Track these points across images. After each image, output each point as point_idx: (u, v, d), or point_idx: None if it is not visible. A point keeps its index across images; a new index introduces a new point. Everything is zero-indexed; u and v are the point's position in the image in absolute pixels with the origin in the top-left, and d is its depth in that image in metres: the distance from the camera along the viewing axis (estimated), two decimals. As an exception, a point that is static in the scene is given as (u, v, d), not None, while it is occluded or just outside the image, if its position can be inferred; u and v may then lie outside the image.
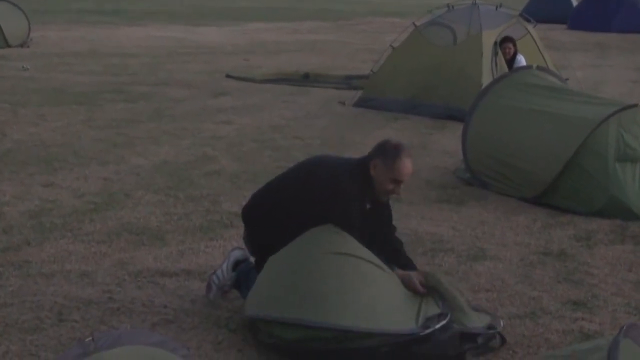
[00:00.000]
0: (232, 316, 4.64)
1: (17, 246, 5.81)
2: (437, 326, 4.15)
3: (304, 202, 4.54)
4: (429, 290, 4.38)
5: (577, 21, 28.51)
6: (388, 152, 4.49)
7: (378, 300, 4.21)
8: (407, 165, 4.47)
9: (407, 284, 4.43)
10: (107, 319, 4.58)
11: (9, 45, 19.01)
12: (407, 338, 4.11)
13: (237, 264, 4.92)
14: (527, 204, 7.13)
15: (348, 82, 14.68)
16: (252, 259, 4.90)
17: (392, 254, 4.67)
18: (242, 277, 4.82)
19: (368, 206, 4.62)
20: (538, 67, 8.34)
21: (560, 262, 5.74)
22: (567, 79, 12.95)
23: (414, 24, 12.46)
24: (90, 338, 2.44)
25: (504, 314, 4.80)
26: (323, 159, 4.92)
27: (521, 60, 11.40)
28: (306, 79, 15.23)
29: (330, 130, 10.53)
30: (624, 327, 2.73)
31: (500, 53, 11.51)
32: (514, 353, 4.32)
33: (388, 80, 12.13)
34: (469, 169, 7.84)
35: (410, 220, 6.62)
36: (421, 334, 4.14)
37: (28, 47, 19.55)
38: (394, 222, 6.39)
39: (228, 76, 15.52)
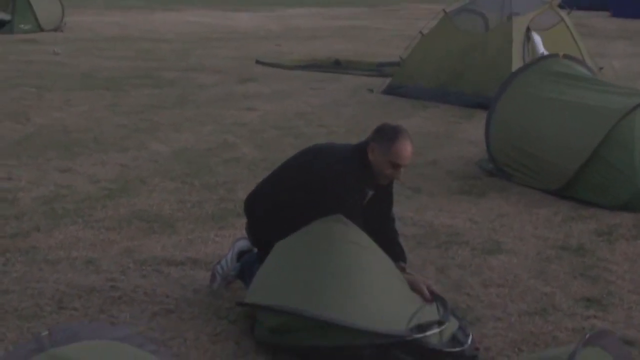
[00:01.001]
0: (234, 307, 4.53)
1: (26, 232, 5.76)
2: (427, 333, 3.98)
3: (302, 191, 4.43)
4: (435, 298, 4.26)
5: (620, 8, 27.97)
6: (386, 135, 4.35)
7: (371, 297, 4.04)
8: (405, 148, 4.31)
9: (414, 288, 4.31)
10: (107, 308, 4.51)
11: (42, 30, 19.10)
12: (390, 340, 3.92)
13: (241, 255, 4.83)
14: (550, 197, 6.95)
15: (379, 69, 14.51)
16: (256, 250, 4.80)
17: (386, 242, 4.50)
18: (246, 267, 4.72)
19: (370, 192, 4.49)
20: (565, 56, 8.12)
21: (578, 257, 5.57)
22: (601, 68, 12.74)
23: (444, 10, 12.27)
24: (47, 332, 2.35)
25: (513, 310, 4.65)
26: (321, 147, 4.77)
27: (538, 40, 11.16)
28: (337, 66, 15.09)
29: (356, 118, 10.39)
30: (588, 336, 2.58)
31: (532, 39, 11.28)
32: (519, 351, 4.17)
33: (417, 67, 11.97)
34: (492, 160, 7.67)
35: (427, 212, 6.48)
36: (407, 338, 3.96)
37: (62, 31, 19.64)
38: (410, 214, 6.35)
39: (258, 62, 15.43)
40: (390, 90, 12.05)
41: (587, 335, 2.56)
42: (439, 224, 6.17)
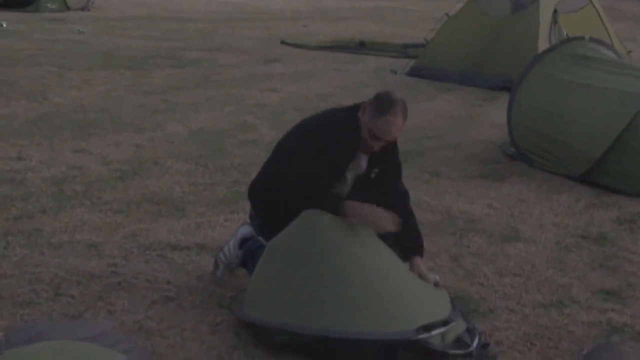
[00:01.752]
0: (237, 295, 4.39)
1: (31, 214, 5.64)
2: (433, 333, 3.79)
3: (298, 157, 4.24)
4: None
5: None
6: (380, 103, 4.12)
7: (376, 299, 3.85)
8: (391, 124, 4.06)
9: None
10: (106, 295, 4.37)
11: (68, 9, 19.02)
12: (396, 340, 3.74)
13: (244, 241, 4.65)
14: (572, 182, 6.74)
15: (405, 50, 14.29)
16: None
17: (394, 206, 4.29)
18: (249, 255, 4.54)
19: (363, 159, 4.27)
20: (591, 39, 7.85)
21: (598, 247, 5.36)
22: (630, 52, 12.42)
23: (470, -9, 12.03)
24: (2, 334, 2.19)
25: (528, 301, 4.45)
26: (317, 113, 4.53)
27: None
28: (362, 47, 14.89)
29: (378, 100, 10.18)
30: (584, 353, 2.38)
31: (559, 22, 10.99)
32: (531, 346, 3.98)
33: (442, 49, 11.75)
34: (514, 144, 7.45)
35: (444, 197, 6.28)
36: (412, 338, 3.77)
37: (89, 10, 19.55)
38: (427, 199, 6.15)
39: (283, 43, 15.26)
40: (414, 72, 11.83)
41: (584, 352, 2.36)
42: (457, 209, 5.98)
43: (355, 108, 4.23)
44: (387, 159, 4.37)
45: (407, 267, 4.25)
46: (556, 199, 6.30)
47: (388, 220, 4.04)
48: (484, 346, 3.93)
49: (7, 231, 5.28)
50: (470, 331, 3.98)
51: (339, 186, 4.32)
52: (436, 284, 4.46)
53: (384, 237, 4.36)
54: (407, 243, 4.36)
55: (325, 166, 4.14)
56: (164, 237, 5.27)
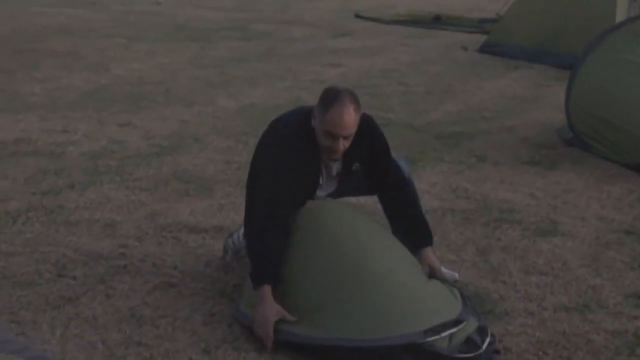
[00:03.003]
0: (242, 283, 4.21)
1: (59, 189, 5.58)
2: (443, 334, 3.54)
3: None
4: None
5: None
6: (324, 99, 3.78)
7: (372, 301, 3.63)
8: (341, 115, 3.70)
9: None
10: (108, 278, 4.25)
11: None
12: (402, 343, 3.49)
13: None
14: (629, 172, 6.30)
15: (480, 26, 13.83)
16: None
17: (403, 220, 4.09)
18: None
19: (335, 165, 4.01)
20: (662, 16, 7.36)
21: (641, 245, 4.98)
22: None
23: (546, -37, 11.48)
24: None
25: (550, 304, 4.13)
26: (280, 116, 4.13)
27: None
28: (437, 22, 14.47)
29: (440, 77, 9.85)
30: None
31: (639, -2, 10.43)
32: (543, 355, 3.66)
33: (515, 25, 11.28)
34: (571, 128, 7.04)
35: (485, 183, 5.97)
36: (419, 341, 3.50)
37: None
38: (466, 185, 5.87)
39: (357, 16, 14.98)
40: (485, 49, 11.41)
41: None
42: (495, 198, 5.66)
43: (305, 118, 3.88)
44: (366, 149, 4.03)
45: (415, 261, 4.00)
46: (606, 190, 5.90)
47: (264, 337, 3.62)
48: (495, 352, 3.66)
49: (31, 206, 5.24)
50: (481, 330, 3.71)
51: (314, 196, 4.09)
52: (455, 282, 4.21)
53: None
54: (414, 235, 4.12)
55: (288, 198, 3.85)
56: (183, 218, 5.13)
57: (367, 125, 4.01)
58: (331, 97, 3.76)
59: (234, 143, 6.86)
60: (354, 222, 3.94)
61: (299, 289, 3.71)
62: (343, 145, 3.80)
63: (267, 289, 3.67)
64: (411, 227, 4.14)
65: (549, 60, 10.59)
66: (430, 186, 5.86)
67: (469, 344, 3.61)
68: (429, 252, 4.09)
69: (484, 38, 11.80)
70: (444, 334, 3.57)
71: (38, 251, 4.54)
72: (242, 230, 4.43)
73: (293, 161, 3.81)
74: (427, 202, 5.36)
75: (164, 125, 7.38)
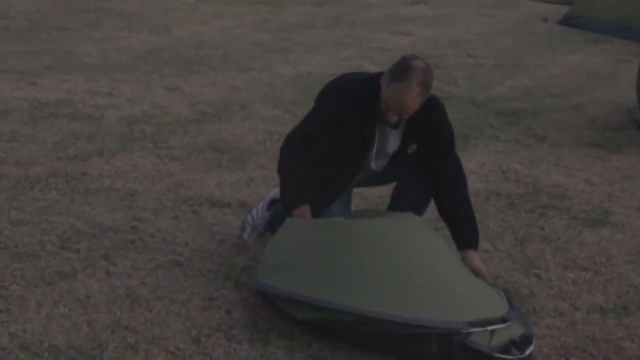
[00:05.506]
0: (252, 265, 3.93)
1: (88, 155, 5.38)
2: (489, 328, 3.20)
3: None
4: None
5: None
6: (395, 70, 3.54)
7: (415, 284, 3.31)
8: (398, 93, 3.47)
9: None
10: (112, 254, 4.00)
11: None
12: (445, 329, 3.18)
13: (273, 203, 4.18)
14: (701, 159, 5.79)
15: (567, -5, 13.15)
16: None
17: (453, 216, 3.78)
18: (277, 218, 4.06)
19: (391, 132, 3.75)
20: None
21: (702, 242, 4.49)
22: None
23: None
24: None
25: (584, 303, 3.73)
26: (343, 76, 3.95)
27: None
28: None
29: (512, 50, 9.35)
30: None
31: None
32: (567, 363, 3.29)
33: (598, -5, 10.65)
34: (642, 108, 6.53)
35: (539, 166, 5.53)
36: (463, 330, 3.18)
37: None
38: (517, 167, 5.45)
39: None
40: (565, 21, 10.82)
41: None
42: (546, 182, 5.22)
43: (379, 75, 3.65)
44: (429, 133, 3.75)
45: (460, 258, 3.66)
46: (673, 179, 5.41)
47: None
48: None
49: (53, 172, 5.04)
50: (526, 337, 3.33)
51: (363, 163, 3.80)
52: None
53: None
54: (460, 235, 3.78)
55: (333, 136, 3.67)
56: (207, 191, 4.87)
57: (435, 109, 3.77)
58: (401, 71, 3.52)
59: (281, 112, 6.57)
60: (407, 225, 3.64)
61: (341, 262, 3.43)
62: (400, 117, 3.59)
63: (304, 209, 3.66)
64: (459, 227, 3.79)
65: (630, 35, 9.96)
66: (478, 167, 5.47)
67: (510, 347, 3.25)
68: (474, 255, 3.73)
69: (566, 9, 11.18)
70: (489, 328, 3.22)
71: (47, 221, 4.33)
72: (262, 204, 4.17)
73: (351, 107, 3.65)
74: (472, 184, 4.93)
75: (212, 91, 7.13)
